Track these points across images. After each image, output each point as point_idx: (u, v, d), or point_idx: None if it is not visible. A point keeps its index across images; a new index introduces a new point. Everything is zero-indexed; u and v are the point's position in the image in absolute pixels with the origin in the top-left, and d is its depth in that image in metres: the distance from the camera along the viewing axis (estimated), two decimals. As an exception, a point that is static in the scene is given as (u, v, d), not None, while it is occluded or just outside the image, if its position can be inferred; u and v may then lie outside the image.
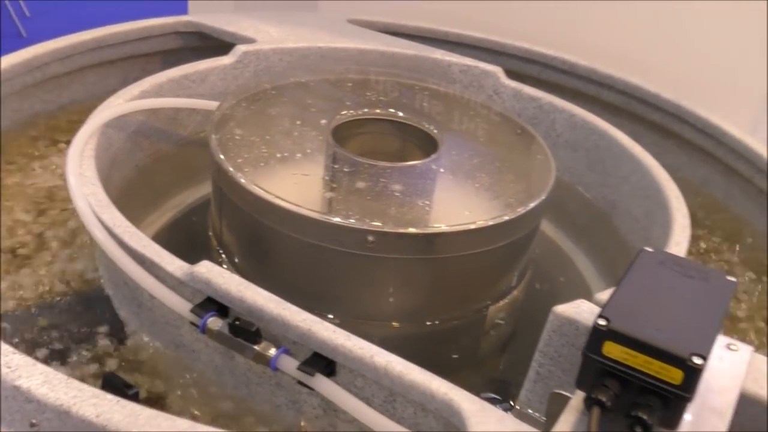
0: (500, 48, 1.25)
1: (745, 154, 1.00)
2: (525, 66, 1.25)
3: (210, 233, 0.86)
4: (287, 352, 0.56)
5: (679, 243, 0.74)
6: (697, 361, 0.43)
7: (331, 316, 0.72)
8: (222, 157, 0.76)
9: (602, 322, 0.46)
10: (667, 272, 0.51)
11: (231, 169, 0.74)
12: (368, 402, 0.55)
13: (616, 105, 1.18)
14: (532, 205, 0.75)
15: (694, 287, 0.50)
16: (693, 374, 0.43)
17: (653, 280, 0.50)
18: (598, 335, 0.46)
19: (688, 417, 0.48)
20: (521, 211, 0.73)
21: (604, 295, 0.62)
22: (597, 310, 0.59)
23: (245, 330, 0.56)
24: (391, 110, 0.90)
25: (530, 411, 0.63)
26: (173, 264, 0.61)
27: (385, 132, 0.90)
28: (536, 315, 0.82)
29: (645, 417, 0.44)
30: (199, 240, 0.89)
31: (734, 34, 1.29)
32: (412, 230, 0.68)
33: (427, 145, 0.86)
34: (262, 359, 0.56)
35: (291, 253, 0.73)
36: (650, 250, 0.54)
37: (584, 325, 0.57)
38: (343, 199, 0.73)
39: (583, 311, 0.58)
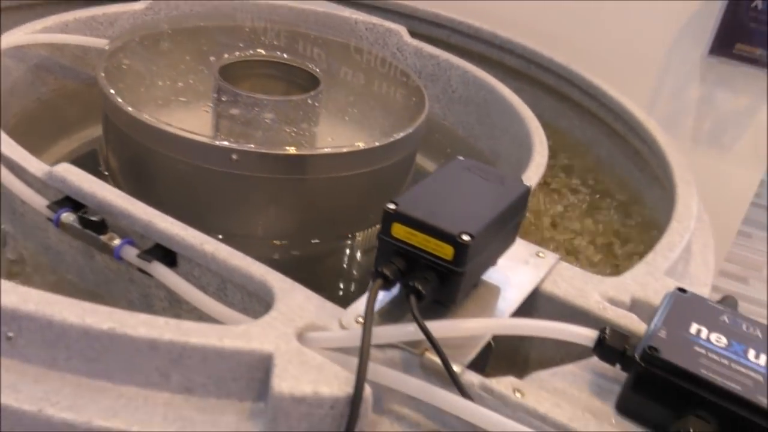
0: (411, 12, 1.31)
1: (621, 114, 1.07)
2: (435, 30, 1.30)
3: (100, 159, 0.90)
4: (132, 243, 0.61)
5: (530, 178, 0.80)
6: (465, 238, 0.49)
7: (220, 237, 0.78)
8: (106, 82, 0.80)
9: (391, 206, 0.51)
10: (468, 175, 0.57)
11: (112, 92, 0.78)
12: (204, 290, 0.60)
13: (517, 69, 1.24)
14: (394, 137, 0.80)
15: (487, 187, 0.56)
16: (462, 250, 0.49)
17: (452, 179, 0.56)
18: (387, 218, 0.51)
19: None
20: (382, 141, 0.79)
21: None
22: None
23: (92, 221, 0.61)
24: (280, 54, 0.95)
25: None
26: (36, 166, 0.66)
27: (273, 74, 0.95)
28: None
29: (419, 286, 0.50)
30: (97, 170, 0.93)
31: (638, 11, 1.36)
32: (271, 150, 0.73)
33: (312, 87, 0.91)
34: (107, 249, 0.61)
35: (167, 173, 0.78)
36: (461, 158, 0.59)
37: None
38: (215, 123, 0.78)
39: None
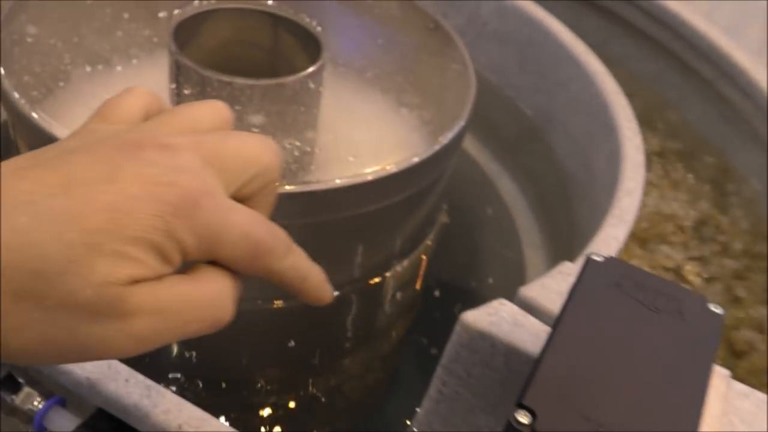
0: None
1: (707, 52, 0.81)
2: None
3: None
4: (62, 403, 0.38)
5: (631, 192, 0.57)
6: (671, 495, 0.27)
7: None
8: (2, 72, 0.53)
9: (523, 419, 0.28)
10: (624, 303, 0.34)
11: (15, 94, 0.51)
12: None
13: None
14: (441, 145, 0.55)
15: (663, 332, 0.33)
16: None
17: (604, 321, 0.33)
18: (515, 438, 0.28)
19: None
20: (423, 154, 0.54)
21: (532, 290, 0.45)
22: (521, 319, 0.42)
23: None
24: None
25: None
26: None
27: (252, 26, 0.66)
28: (446, 270, 0.66)
29: None
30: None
31: None
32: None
33: (307, 50, 0.63)
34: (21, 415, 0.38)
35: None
36: (599, 259, 0.36)
37: (503, 342, 0.41)
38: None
39: (502, 321, 0.42)
